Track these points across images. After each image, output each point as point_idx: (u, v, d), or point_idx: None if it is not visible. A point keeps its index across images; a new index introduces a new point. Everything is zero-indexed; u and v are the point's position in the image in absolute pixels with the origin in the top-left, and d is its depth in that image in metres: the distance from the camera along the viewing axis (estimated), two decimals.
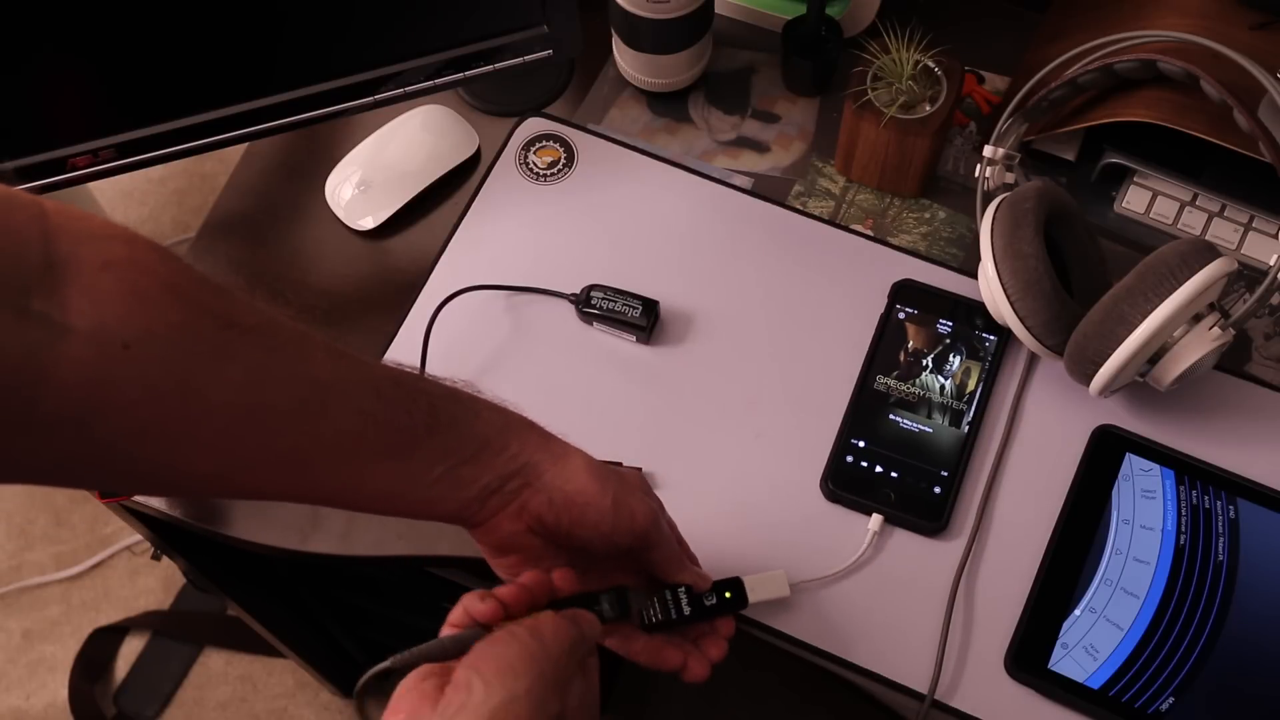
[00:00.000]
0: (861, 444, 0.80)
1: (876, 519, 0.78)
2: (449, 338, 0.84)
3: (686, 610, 0.67)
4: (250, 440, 0.54)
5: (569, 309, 0.85)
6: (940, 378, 0.82)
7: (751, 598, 0.70)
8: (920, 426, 0.81)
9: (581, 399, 0.83)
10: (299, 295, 0.89)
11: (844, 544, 0.78)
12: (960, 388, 0.82)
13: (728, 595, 0.69)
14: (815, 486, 0.79)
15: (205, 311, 0.51)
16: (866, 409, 0.81)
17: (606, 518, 0.62)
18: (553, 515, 0.62)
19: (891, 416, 0.81)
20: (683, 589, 0.67)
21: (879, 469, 0.79)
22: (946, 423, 0.81)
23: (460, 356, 0.84)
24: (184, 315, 0.50)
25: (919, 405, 0.81)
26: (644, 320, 0.83)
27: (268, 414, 0.54)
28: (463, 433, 0.60)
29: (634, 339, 0.84)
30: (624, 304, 0.84)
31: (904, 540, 0.78)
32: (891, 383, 0.82)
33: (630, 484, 0.65)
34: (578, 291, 0.85)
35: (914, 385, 0.82)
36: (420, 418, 0.58)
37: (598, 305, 0.84)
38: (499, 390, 0.80)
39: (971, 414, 0.81)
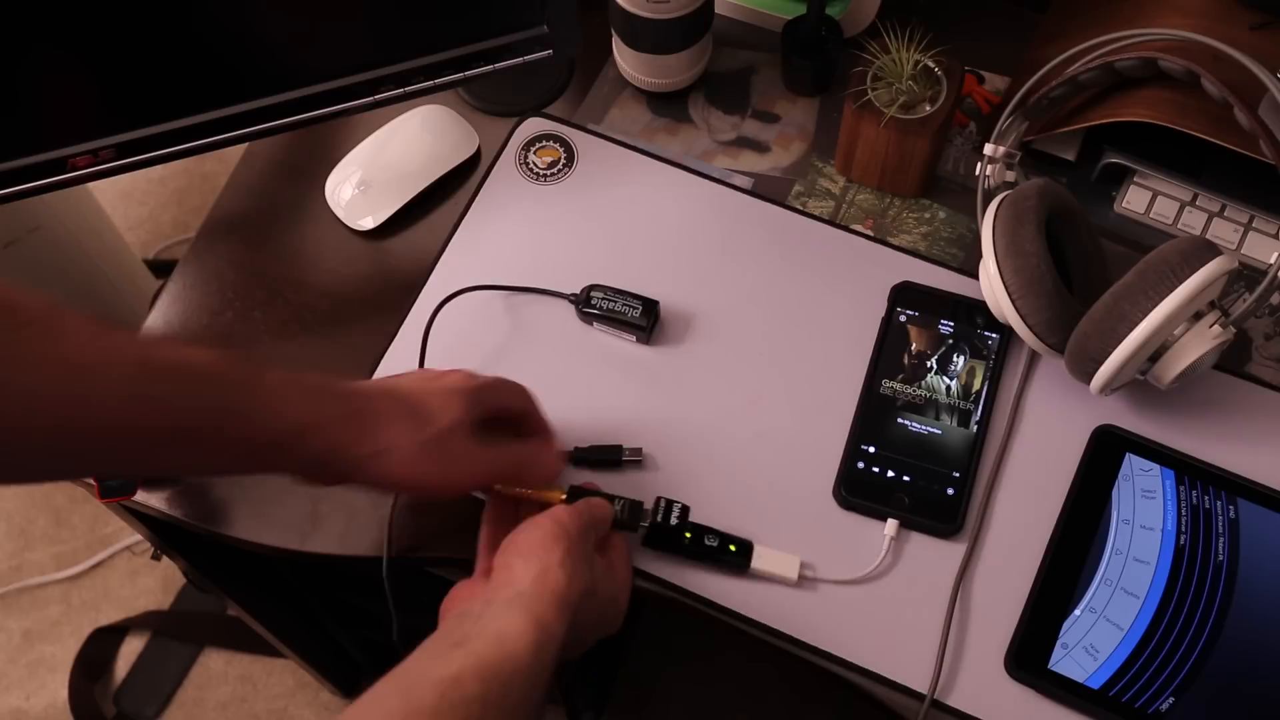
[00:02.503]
0: (871, 449, 0.80)
1: (892, 524, 0.78)
2: (449, 337, 0.84)
3: (686, 538, 0.76)
4: (4, 427, 0.51)
5: (569, 309, 0.85)
6: (945, 378, 0.82)
7: (757, 563, 0.75)
8: (929, 429, 0.81)
9: (582, 399, 0.83)
10: (299, 295, 0.89)
11: (859, 550, 0.78)
12: (966, 387, 0.82)
13: (732, 549, 0.76)
14: (827, 493, 0.79)
15: None
16: (874, 414, 0.81)
17: (442, 490, 0.68)
18: (393, 489, 0.69)
19: (900, 420, 0.81)
20: (678, 514, 0.76)
21: (890, 474, 0.79)
22: (955, 423, 0.81)
23: (460, 356, 0.84)
24: None
25: (926, 407, 0.81)
26: (644, 321, 0.83)
27: (19, 396, 0.50)
28: (254, 425, 0.58)
29: (634, 339, 0.84)
30: (624, 304, 0.83)
31: (917, 543, 0.78)
32: (897, 386, 0.82)
33: (454, 455, 0.67)
34: (577, 291, 0.85)
35: (920, 388, 0.82)
36: (204, 403, 0.56)
37: (598, 305, 0.84)
38: None
39: (979, 413, 0.81)
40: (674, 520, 0.76)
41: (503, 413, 0.73)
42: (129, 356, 0.54)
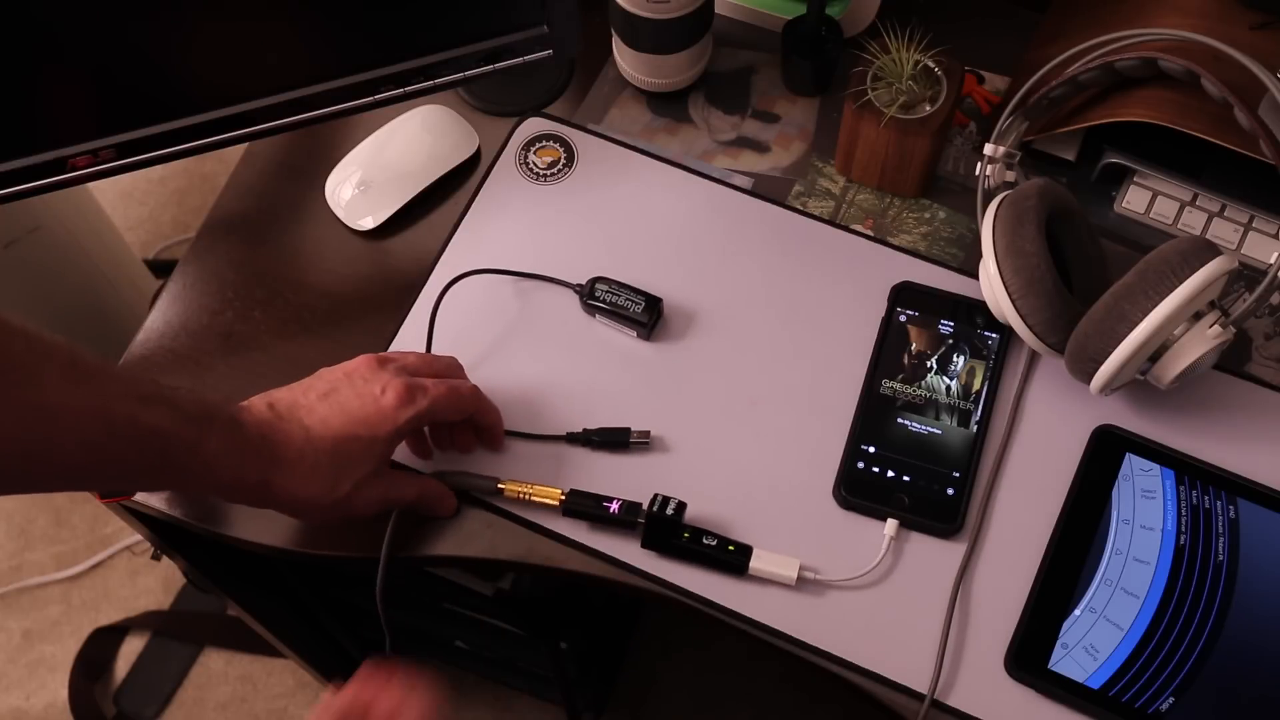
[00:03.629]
0: (872, 450, 0.80)
1: (892, 524, 0.78)
2: (452, 327, 0.84)
3: (684, 538, 0.76)
4: None
5: (573, 301, 0.85)
6: (945, 378, 0.82)
7: (756, 563, 0.75)
8: (929, 429, 0.81)
9: (582, 391, 0.83)
10: (299, 295, 0.89)
11: (858, 550, 0.77)
12: (966, 387, 0.82)
13: (730, 549, 0.76)
14: (827, 493, 0.79)
15: None
16: (874, 414, 0.81)
17: (336, 510, 0.72)
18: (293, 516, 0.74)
19: (900, 420, 0.81)
20: (673, 508, 0.76)
21: (890, 474, 0.79)
22: (955, 423, 0.81)
23: (464, 342, 0.84)
24: None
25: (926, 407, 0.81)
26: (646, 317, 0.83)
27: None
28: (189, 479, 0.66)
29: (635, 335, 0.84)
30: (627, 299, 0.84)
31: (917, 543, 0.78)
32: (897, 386, 0.82)
33: (355, 506, 0.72)
34: (582, 283, 0.85)
35: (920, 388, 0.82)
36: (149, 460, 0.62)
37: (602, 298, 0.84)
38: (498, 382, 0.80)
39: (979, 413, 0.81)
40: (670, 511, 0.76)
41: (441, 421, 0.77)
42: (92, 409, 0.58)
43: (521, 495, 0.78)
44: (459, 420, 0.78)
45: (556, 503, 0.78)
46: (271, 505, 0.70)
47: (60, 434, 0.57)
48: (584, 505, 0.78)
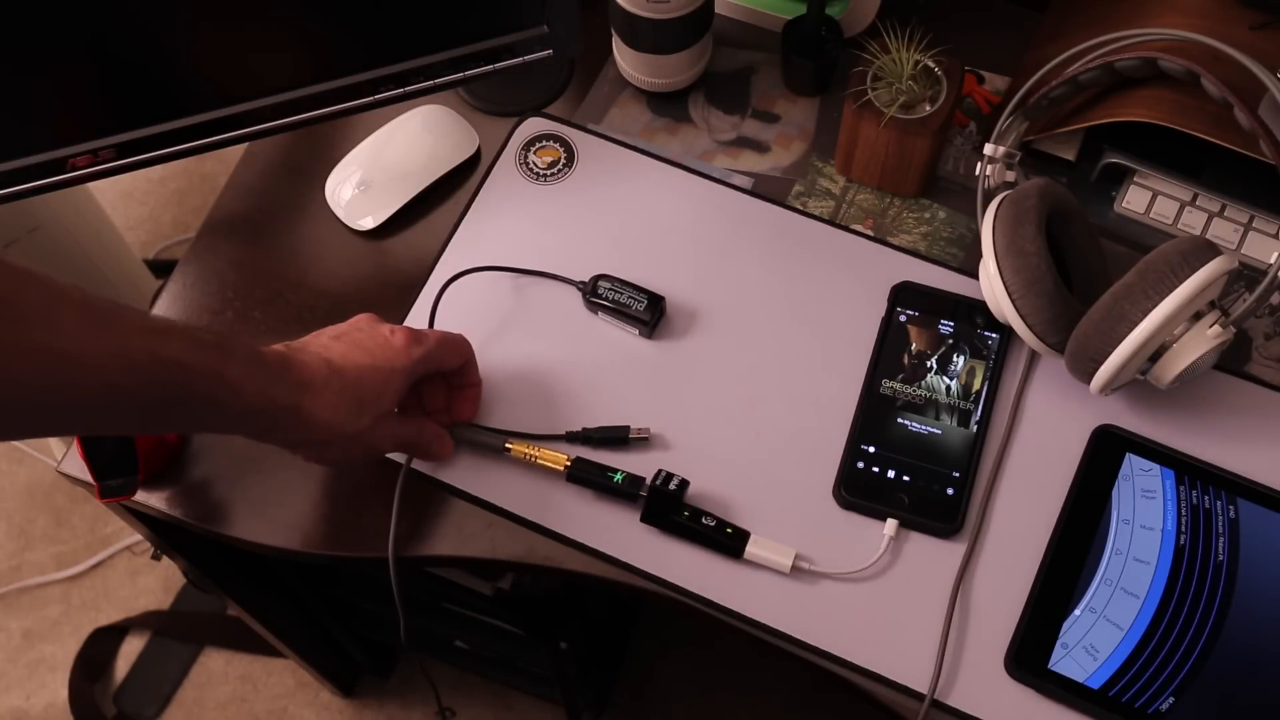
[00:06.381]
0: (872, 449, 0.80)
1: (891, 524, 0.78)
2: (452, 326, 0.84)
3: (684, 515, 0.77)
4: None
5: (575, 298, 0.85)
6: (945, 378, 0.82)
7: (752, 548, 0.76)
8: (929, 429, 0.81)
9: (582, 388, 0.83)
10: (299, 295, 0.89)
11: (857, 549, 0.78)
12: (966, 387, 0.82)
13: (729, 531, 0.76)
14: (827, 492, 0.79)
15: None
16: (874, 414, 0.81)
17: (358, 444, 0.73)
18: (305, 458, 0.74)
19: (900, 420, 0.81)
20: (676, 484, 0.77)
21: (890, 474, 0.79)
22: (955, 423, 0.81)
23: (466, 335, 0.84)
24: None
25: (926, 407, 0.81)
26: (648, 315, 0.83)
27: (8, 383, 0.55)
28: (215, 410, 0.65)
29: (637, 333, 0.85)
30: (630, 296, 0.84)
31: (916, 543, 0.78)
32: (897, 386, 0.82)
33: (369, 443, 0.73)
34: (585, 280, 0.85)
35: (920, 388, 0.82)
36: (173, 393, 0.61)
37: (604, 295, 0.84)
38: (499, 381, 0.80)
39: (979, 413, 0.81)
40: (673, 486, 0.77)
41: (440, 370, 0.78)
42: (112, 349, 0.58)
43: (528, 457, 0.79)
44: (452, 369, 0.79)
45: (562, 468, 0.78)
46: (300, 434, 0.70)
47: (83, 375, 0.57)
48: (588, 473, 0.78)
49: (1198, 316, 0.74)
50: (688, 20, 0.89)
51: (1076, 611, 0.75)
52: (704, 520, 0.77)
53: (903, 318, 0.84)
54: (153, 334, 0.60)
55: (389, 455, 0.79)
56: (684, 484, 0.77)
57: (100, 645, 1.58)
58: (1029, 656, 0.74)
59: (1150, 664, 0.73)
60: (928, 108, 0.85)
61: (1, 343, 0.54)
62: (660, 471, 0.78)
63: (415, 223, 0.92)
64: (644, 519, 0.77)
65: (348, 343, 0.73)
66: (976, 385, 0.82)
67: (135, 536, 1.62)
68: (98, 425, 0.65)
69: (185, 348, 0.61)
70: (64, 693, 1.55)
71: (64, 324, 0.56)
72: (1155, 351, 0.74)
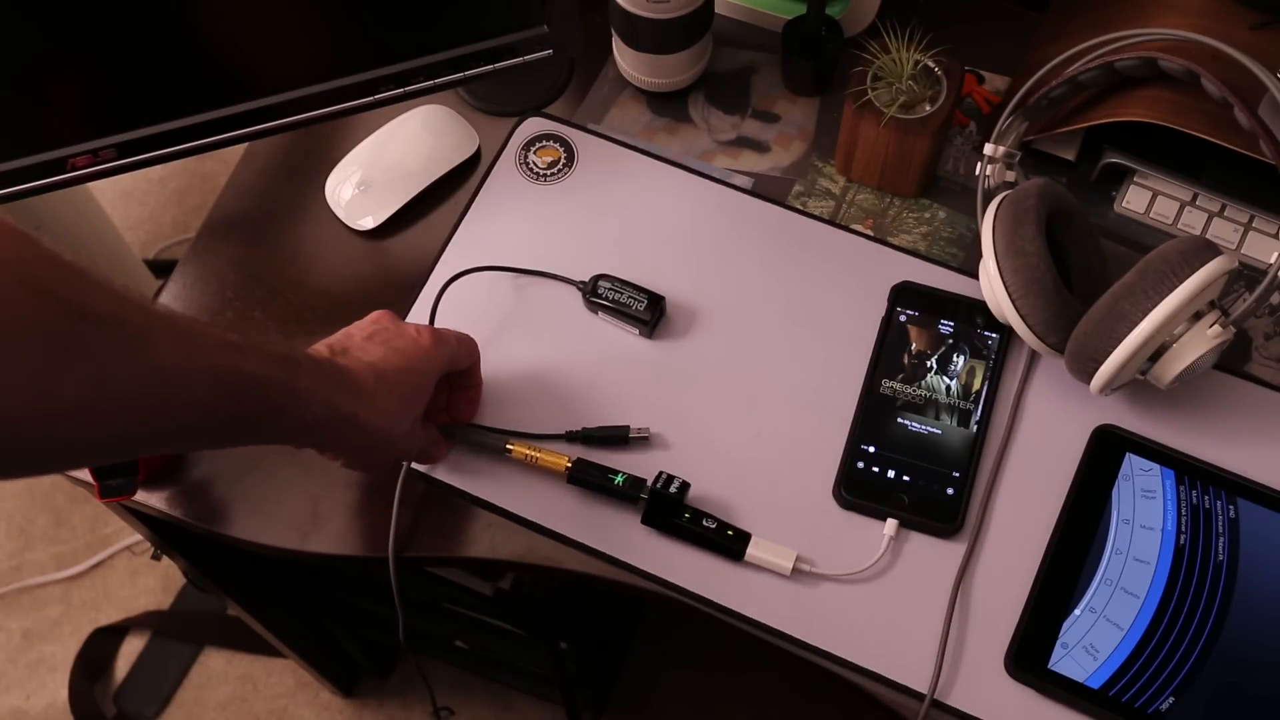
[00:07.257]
0: (872, 449, 0.80)
1: (892, 524, 0.78)
2: (452, 327, 0.84)
3: (685, 518, 0.77)
4: (94, 429, 0.55)
5: (575, 298, 0.85)
6: (945, 378, 0.82)
7: (753, 549, 0.76)
8: (929, 429, 0.81)
9: (583, 387, 0.83)
10: (299, 295, 0.89)
11: (857, 549, 0.78)
12: (966, 387, 0.82)
13: (730, 533, 0.76)
14: (827, 493, 0.79)
15: (59, 304, 0.51)
16: (874, 414, 0.81)
17: (398, 447, 0.74)
18: (355, 466, 0.76)
19: (900, 420, 0.81)
20: (677, 486, 0.77)
21: (891, 474, 0.79)
22: (955, 423, 0.81)
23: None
24: (38, 310, 0.50)
25: (926, 407, 0.81)
26: (649, 315, 0.83)
27: (112, 406, 0.54)
28: (285, 420, 0.65)
29: (637, 333, 0.85)
30: (630, 296, 0.84)
31: (916, 543, 0.78)
32: (897, 386, 0.82)
33: (408, 446, 0.75)
34: (585, 280, 0.85)
35: (920, 387, 0.82)
36: (249, 407, 0.61)
37: (604, 295, 0.84)
38: (499, 381, 0.80)
39: (979, 413, 0.81)
40: (674, 489, 0.77)
41: (455, 371, 0.78)
42: (201, 366, 0.58)
43: (528, 458, 0.78)
44: (463, 369, 0.79)
45: (563, 469, 0.78)
46: (356, 441, 0.70)
47: (175, 393, 0.57)
48: (589, 474, 0.78)
49: (1198, 316, 0.74)
50: (688, 20, 0.89)
51: (1076, 611, 0.75)
52: (705, 522, 0.77)
53: (903, 318, 0.84)
54: (232, 349, 0.60)
55: None
56: (685, 486, 0.77)
57: (100, 645, 1.58)
58: (1029, 656, 0.74)
59: (1150, 664, 0.73)
60: (928, 108, 0.85)
61: (109, 366, 0.53)
62: (661, 474, 0.78)
63: (415, 223, 0.92)
64: (645, 521, 0.77)
65: (383, 346, 0.72)
66: (976, 385, 0.82)
67: (135, 536, 1.62)
68: (182, 444, 0.66)
69: (262, 361, 0.62)
70: (64, 693, 1.55)
71: (159, 343, 0.56)
72: (1155, 351, 0.75)
